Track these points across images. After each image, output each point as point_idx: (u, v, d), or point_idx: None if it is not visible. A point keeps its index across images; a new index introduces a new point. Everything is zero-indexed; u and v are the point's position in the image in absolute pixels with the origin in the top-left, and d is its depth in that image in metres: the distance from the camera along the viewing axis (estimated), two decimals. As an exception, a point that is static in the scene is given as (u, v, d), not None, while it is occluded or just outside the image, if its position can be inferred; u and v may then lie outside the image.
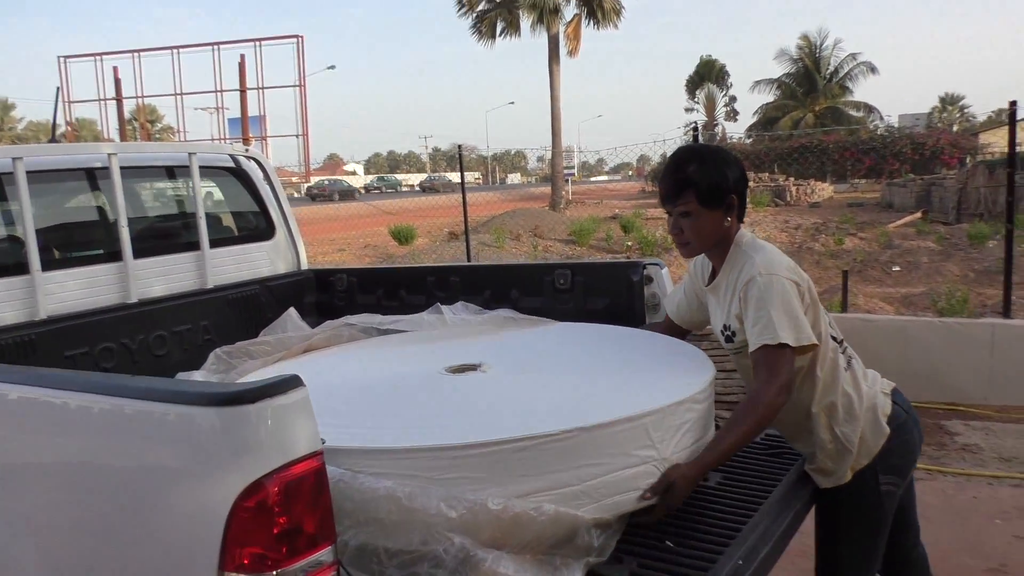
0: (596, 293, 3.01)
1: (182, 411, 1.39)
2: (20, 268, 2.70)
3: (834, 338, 2.11)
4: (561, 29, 30.98)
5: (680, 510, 1.85)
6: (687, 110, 59.15)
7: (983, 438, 5.07)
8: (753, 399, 1.91)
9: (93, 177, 3.03)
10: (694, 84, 57.96)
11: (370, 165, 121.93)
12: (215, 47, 16.72)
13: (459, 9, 31.62)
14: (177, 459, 1.40)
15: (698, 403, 1.93)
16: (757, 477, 2.14)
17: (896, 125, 45.84)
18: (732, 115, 59.38)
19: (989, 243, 13.96)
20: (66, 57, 15.79)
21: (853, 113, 46.12)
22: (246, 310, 3.36)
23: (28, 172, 2.67)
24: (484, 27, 31.76)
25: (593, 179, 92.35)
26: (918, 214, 20.63)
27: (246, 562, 1.34)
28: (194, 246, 3.26)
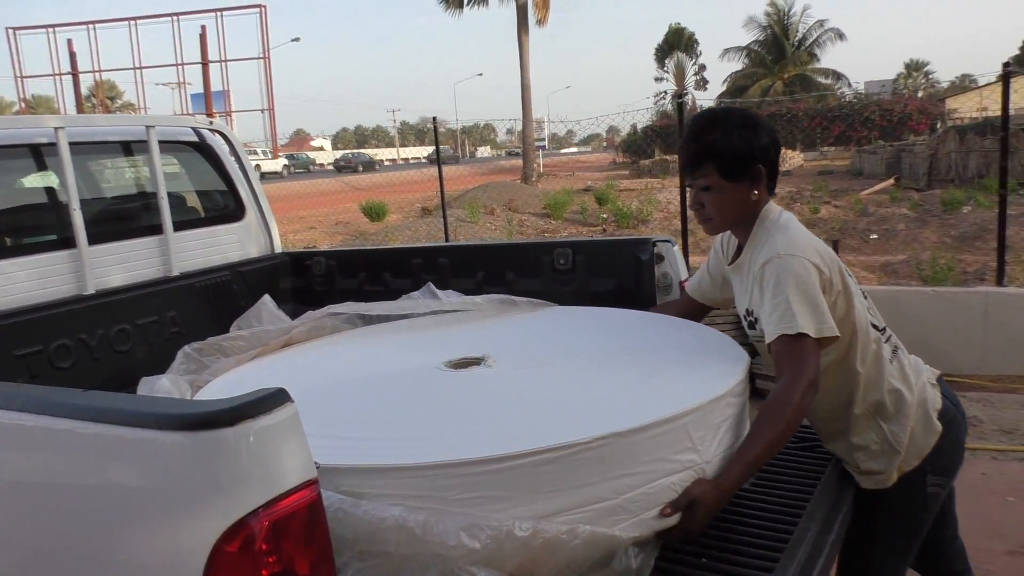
0: (600, 274, 2.77)
1: (144, 436, 1.14)
2: (-41, 259, 2.41)
3: (875, 326, 1.88)
4: (529, -3, 30.46)
5: (716, 519, 1.64)
6: (657, 79, 58.67)
7: (981, 410, 4.96)
8: (777, 400, 1.66)
9: (39, 155, 2.73)
10: (663, 53, 57.47)
11: (338, 140, 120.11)
12: (175, 18, 16.13)
13: (425, -22, 30.91)
14: (141, 496, 1.16)
15: (737, 396, 1.72)
16: (795, 477, 1.93)
17: (863, 92, 45.97)
18: (702, 84, 59.07)
19: (964, 209, 13.96)
20: (15, 29, 15.12)
21: (821, 80, 46.23)
22: (216, 299, 3.08)
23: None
24: (451, -4, 31.15)
25: (563, 151, 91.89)
26: (891, 181, 20.64)
27: (230, 617, 1.11)
28: (156, 230, 2.97)
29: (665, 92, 48.84)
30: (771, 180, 1.88)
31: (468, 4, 31.32)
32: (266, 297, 3.07)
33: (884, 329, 1.92)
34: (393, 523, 1.31)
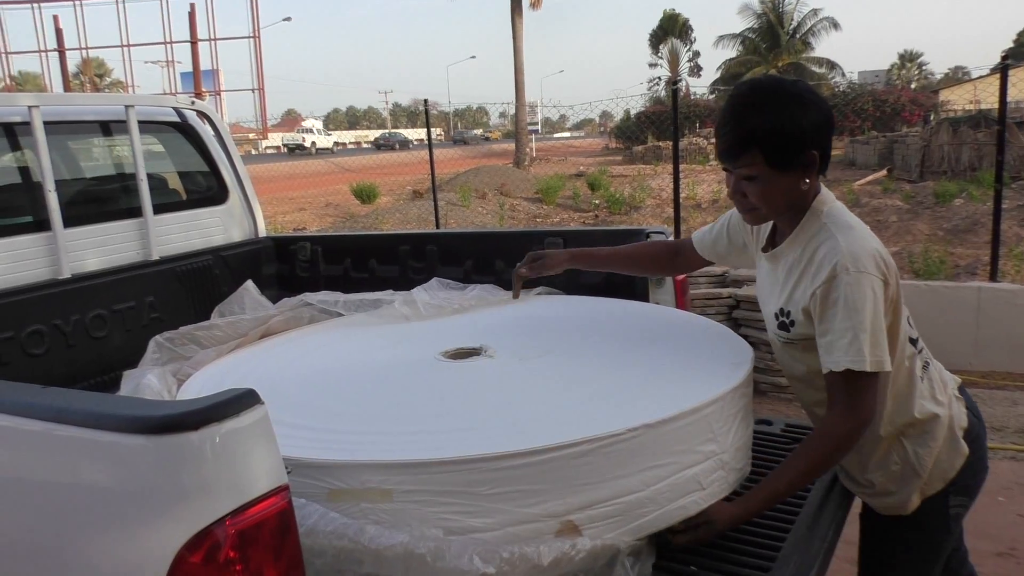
0: (592, 265, 2.70)
1: (105, 439, 1.07)
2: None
3: (911, 339, 1.69)
4: (524, -21, 30.21)
5: None
6: (651, 65, 58.50)
7: (971, 405, 4.93)
8: (824, 433, 1.57)
9: (12, 134, 2.62)
10: (657, 39, 57.24)
11: (329, 121, 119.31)
12: (163, -6, 15.83)
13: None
14: (102, 501, 1.09)
15: (748, 386, 1.71)
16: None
17: (857, 82, 45.91)
18: (696, 71, 58.96)
19: (956, 201, 13.94)
20: None
21: (815, 69, 46.05)
22: (198, 284, 3.00)
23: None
24: (445, -23, 30.87)
25: (556, 135, 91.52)
26: (883, 172, 20.62)
27: (193, 632, 1.05)
28: (135, 212, 2.88)
29: (659, 78, 48.74)
30: (823, 163, 1.62)
31: (462, -14, 30.99)
32: (249, 283, 3.00)
33: (917, 340, 1.72)
34: (401, 550, 1.26)
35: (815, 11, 46.58)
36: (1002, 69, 5.68)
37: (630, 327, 2.13)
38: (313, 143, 54.17)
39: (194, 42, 17.16)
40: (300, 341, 2.36)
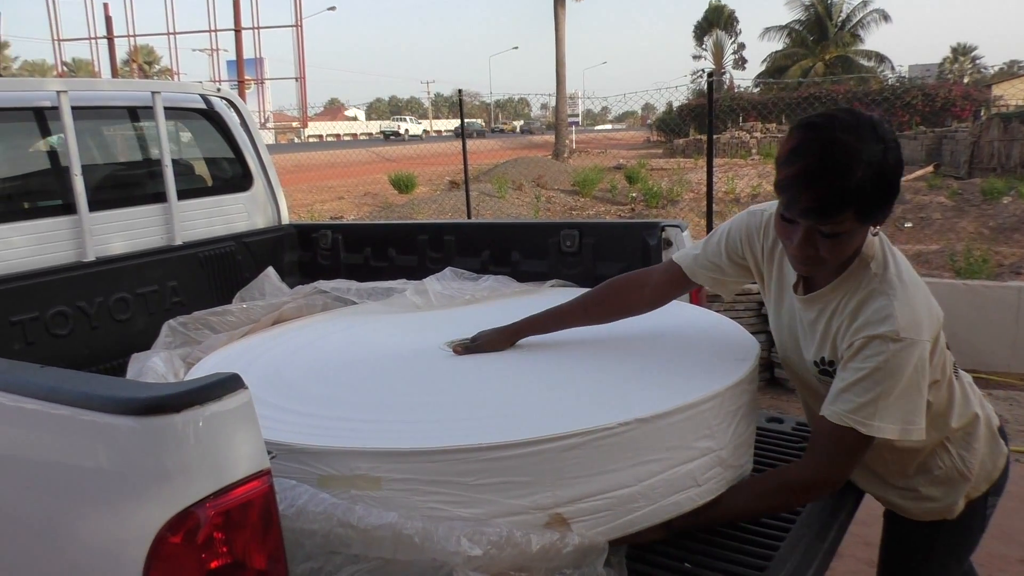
0: (607, 257, 2.68)
1: (92, 418, 1.09)
2: (-44, 222, 2.39)
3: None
4: (567, -29, 30.01)
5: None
6: (695, 57, 57.82)
7: (1007, 409, 4.80)
8: (796, 478, 1.52)
9: (43, 119, 2.69)
10: (702, 31, 56.51)
11: (372, 111, 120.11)
12: (208, -17, 16.10)
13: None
14: (88, 479, 1.11)
15: (751, 383, 1.68)
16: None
17: (906, 76, 44.86)
18: (740, 63, 58.09)
19: (1004, 199, 13.55)
20: (52, -9, 15.21)
21: (864, 63, 45.10)
22: (219, 269, 3.04)
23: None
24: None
25: (597, 127, 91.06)
26: (929, 168, 20.13)
27: (172, 611, 1.07)
28: (160, 197, 2.92)
29: (702, 71, 48.03)
30: None
31: (505, -24, 30.93)
32: (269, 269, 3.03)
33: (947, 345, 1.61)
34: (390, 532, 1.26)
35: (864, 3, 45.60)
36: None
37: (638, 320, 2.10)
38: (407, 130, 61.36)
39: (238, 30, 17.41)
40: (309, 328, 2.38)
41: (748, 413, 1.67)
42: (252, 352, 2.14)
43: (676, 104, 36.91)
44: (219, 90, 3.16)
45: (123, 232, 2.82)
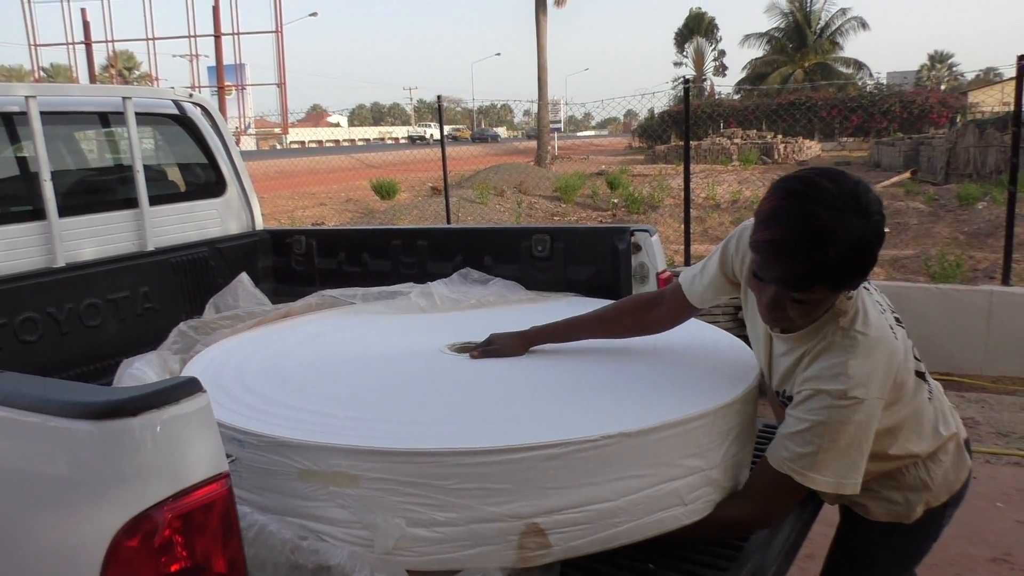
0: (578, 262, 2.70)
1: (48, 423, 1.09)
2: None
3: (918, 373, 1.60)
4: (549, -23, 30.14)
5: None
6: (676, 64, 58.22)
7: (979, 411, 4.86)
8: (732, 516, 1.55)
9: (11, 124, 2.67)
10: (683, 37, 56.94)
11: (354, 117, 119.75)
12: (187, -11, 16.03)
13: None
14: (39, 483, 1.11)
15: (747, 404, 1.65)
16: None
17: (885, 83, 45.35)
18: (721, 70, 58.53)
19: (979, 204, 13.73)
20: (29, -3, 15.08)
21: (843, 70, 45.57)
22: (192, 275, 3.04)
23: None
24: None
25: (579, 134, 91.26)
26: (907, 174, 20.36)
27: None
28: (132, 203, 2.92)
29: (683, 77, 48.39)
30: None
31: (486, -17, 31.03)
32: (243, 275, 3.03)
33: (924, 374, 1.63)
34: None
35: (843, 10, 46.13)
36: (1019, 69, 5.60)
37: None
38: (431, 135, 62.99)
39: (217, 36, 17.32)
40: (309, 326, 2.41)
41: (743, 434, 1.64)
42: (248, 347, 2.18)
43: (658, 110, 37.16)
44: (191, 96, 3.15)
45: (94, 238, 2.81)
